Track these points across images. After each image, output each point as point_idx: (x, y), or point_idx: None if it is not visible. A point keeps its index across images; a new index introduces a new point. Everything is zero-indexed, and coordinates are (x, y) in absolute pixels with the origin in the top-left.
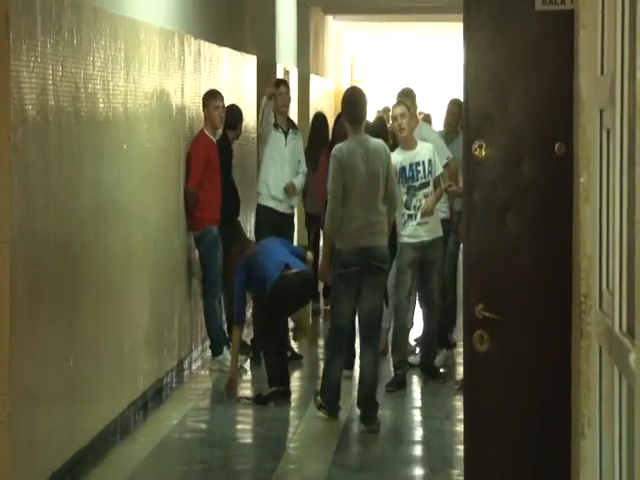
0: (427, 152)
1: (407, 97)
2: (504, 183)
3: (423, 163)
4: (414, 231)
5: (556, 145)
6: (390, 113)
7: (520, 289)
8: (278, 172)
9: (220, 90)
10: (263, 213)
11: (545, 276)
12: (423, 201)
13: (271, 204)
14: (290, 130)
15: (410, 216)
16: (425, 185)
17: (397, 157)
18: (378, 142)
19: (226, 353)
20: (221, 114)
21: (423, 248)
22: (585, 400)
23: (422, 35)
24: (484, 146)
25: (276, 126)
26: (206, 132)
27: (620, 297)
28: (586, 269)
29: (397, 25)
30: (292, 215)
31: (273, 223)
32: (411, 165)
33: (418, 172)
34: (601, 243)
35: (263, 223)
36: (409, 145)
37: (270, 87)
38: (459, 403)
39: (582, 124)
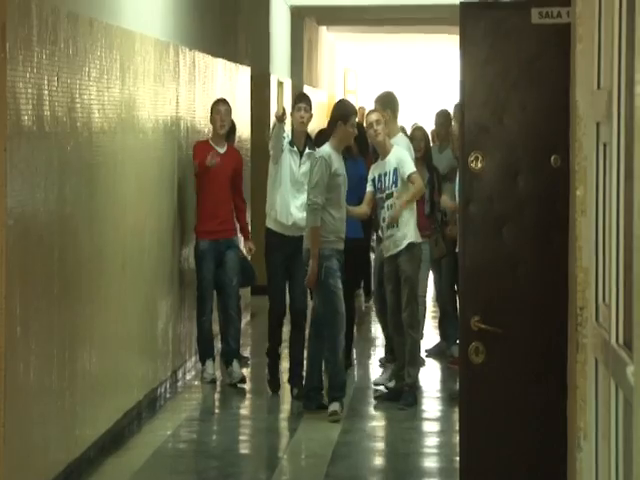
0: (394, 160)
1: (385, 102)
2: (500, 196)
3: (389, 173)
4: (384, 246)
5: (552, 158)
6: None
7: (516, 301)
8: (286, 194)
9: (214, 101)
10: (269, 237)
11: (541, 289)
12: (388, 212)
13: (277, 228)
14: (307, 150)
15: (381, 229)
16: (389, 196)
17: (372, 167)
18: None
19: (207, 365)
20: (222, 118)
21: (393, 261)
22: (581, 413)
23: (415, 47)
24: (480, 158)
25: (292, 144)
26: (209, 139)
27: (617, 309)
28: (582, 282)
29: (390, 37)
30: (302, 240)
31: (282, 248)
32: (380, 175)
33: (384, 183)
34: (597, 256)
35: (270, 247)
36: (383, 152)
37: (279, 107)
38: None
39: (578, 138)
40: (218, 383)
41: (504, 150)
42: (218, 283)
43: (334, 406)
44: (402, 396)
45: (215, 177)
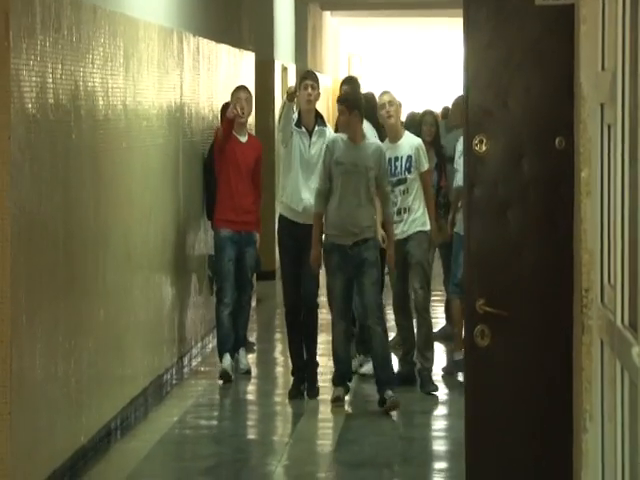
0: (409, 148)
1: (352, 84)
2: (505, 179)
3: (401, 158)
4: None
5: (556, 140)
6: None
7: (521, 284)
8: (296, 179)
9: (218, 87)
10: (281, 224)
11: (546, 271)
12: (399, 198)
13: (288, 215)
14: (316, 128)
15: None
16: (401, 182)
17: None
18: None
19: (225, 358)
20: (242, 105)
21: (401, 246)
22: (587, 394)
23: (419, 31)
24: (484, 141)
25: (298, 125)
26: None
27: (622, 291)
28: (587, 263)
29: (395, 21)
30: None
31: (293, 236)
32: (390, 159)
33: (396, 167)
34: (602, 237)
35: (282, 235)
36: (395, 135)
37: (290, 87)
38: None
39: (583, 119)
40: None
41: (508, 133)
42: (235, 276)
43: (337, 391)
44: (424, 382)
45: (237, 167)
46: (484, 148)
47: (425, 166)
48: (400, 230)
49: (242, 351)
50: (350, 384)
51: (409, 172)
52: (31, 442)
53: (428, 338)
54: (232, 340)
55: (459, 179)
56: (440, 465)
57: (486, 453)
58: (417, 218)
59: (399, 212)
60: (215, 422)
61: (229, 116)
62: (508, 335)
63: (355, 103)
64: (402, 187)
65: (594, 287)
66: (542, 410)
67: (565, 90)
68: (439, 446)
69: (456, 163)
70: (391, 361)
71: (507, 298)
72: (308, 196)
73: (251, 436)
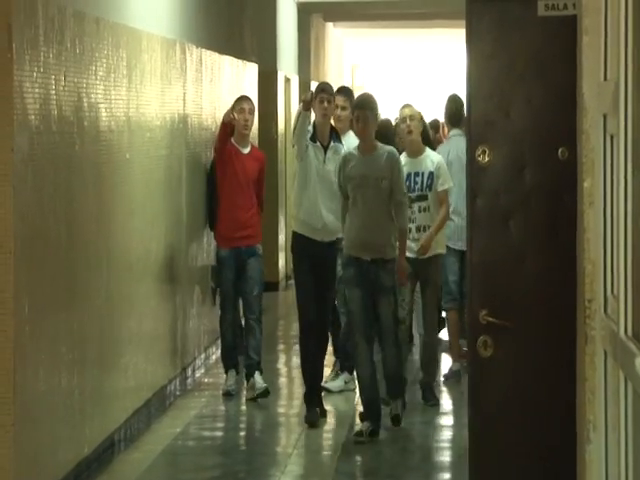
0: (430, 164)
1: (347, 94)
2: (507, 189)
3: (422, 174)
4: (411, 245)
5: (559, 150)
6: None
7: (524, 294)
8: (314, 195)
9: (221, 98)
10: (296, 241)
11: (549, 281)
12: (417, 215)
13: (306, 232)
14: (332, 144)
15: (410, 230)
16: (422, 198)
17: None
18: None
19: (228, 376)
20: (246, 117)
21: (417, 265)
22: (590, 405)
23: (422, 42)
24: (487, 151)
25: (313, 139)
26: (232, 140)
27: (625, 301)
28: (590, 274)
29: (397, 32)
30: (333, 245)
31: (309, 254)
32: (410, 174)
33: (416, 183)
34: (605, 248)
35: (297, 253)
36: (416, 150)
37: (305, 94)
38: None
39: (585, 130)
40: (239, 395)
41: (511, 143)
42: (239, 292)
43: (363, 425)
44: (425, 394)
45: (237, 179)
46: (487, 158)
47: (447, 184)
48: (417, 248)
49: (257, 375)
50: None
51: (430, 189)
52: (34, 453)
53: (433, 356)
54: (235, 357)
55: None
56: (443, 476)
57: (489, 463)
58: (438, 239)
59: (418, 229)
60: (218, 433)
61: (225, 120)
62: (511, 345)
63: (372, 107)
64: (423, 204)
65: (597, 297)
66: (545, 420)
67: (567, 100)
68: (442, 457)
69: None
70: (403, 376)
71: (510, 308)
72: (327, 213)
73: (254, 447)
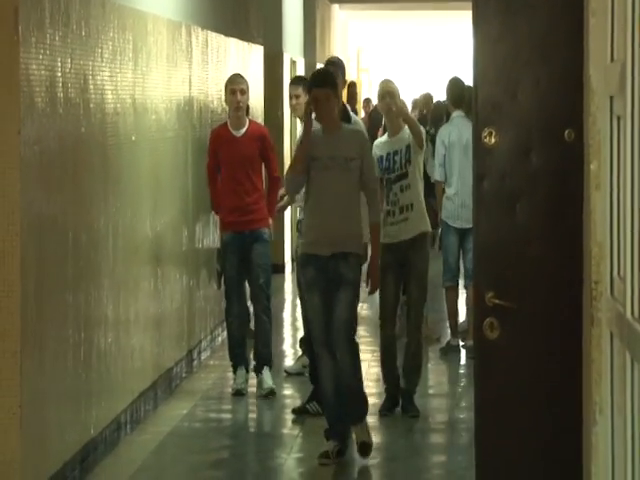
0: (407, 137)
1: (335, 66)
2: (514, 172)
3: (400, 151)
4: (391, 230)
5: (566, 132)
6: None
7: (530, 276)
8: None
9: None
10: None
11: (555, 263)
12: (400, 195)
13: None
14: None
15: (388, 212)
16: (402, 177)
17: (376, 144)
18: None
19: (237, 374)
20: (238, 99)
21: (402, 249)
22: (597, 387)
23: (428, 24)
24: (494, 134)
25: None
26: (227, 122)
27: (632, 283)
28: (597, 256)
29: (403, 14)
30: None
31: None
32: (389, 154)
33: (395, 162)
34: (612, 230)
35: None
36: (395, 129)
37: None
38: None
39: (592, 112)
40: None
41: (517, 126)
42: (246, 279)
43: (327, 445)
44: (405, 405)
45: (232, 166)
46: (493, 141)
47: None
48: (402, 230)
49: (266, 371)
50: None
51: (409, 163)
52: (41, 435)
53: (416, 358)
54: (244, 353)
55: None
56: (455, 455)
57: (496, 446)
58: (422, 218)
59: (401, 210)
60: (224, 415)
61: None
62: (517, 328)
63: (331, 83)
64: (404, 182)
65: (604, 279)
66: (551, 402)
67: (574, 82)
68: (439, 439)
69: (435, 156)
70: (363, 392)
71: (516, 290)
72: None
73: (261, 429)
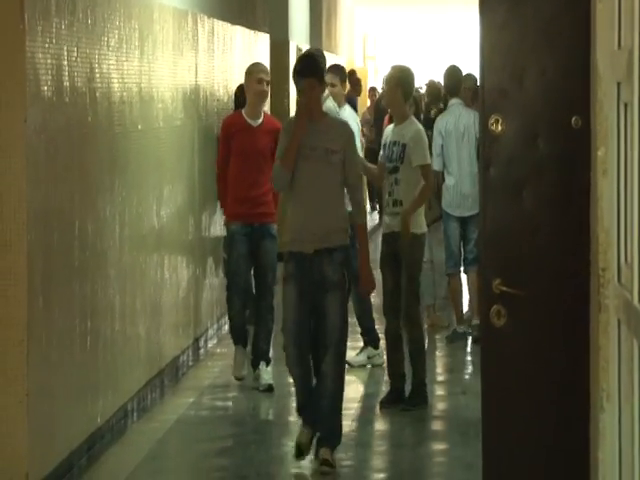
0: (409, 136)
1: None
2: (520, 159)
3: (399, 144)
4: (387, 219)
5: (572, 119)
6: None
7: (537, 263)
8: None
9: (233, 69)
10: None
11: (562, 250)
12: (395, 187)
13: None
14: None
15: (387, 202)
16: (395, 170)
17: (385, 131)
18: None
19: (237, 352)
20: (264, 89)
21: (395, 239)
22: (604, 374)
23: (434, 11)
24: (500, 121)
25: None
26: (242, 111)
27: (639, 270)
28: (604, 243)
29: (409, 1)
30: None
31: None
32: (391, 143)
33: (393, 152)
34: (619, 216)
35: None
36: (396, 118)
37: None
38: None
39: (599, 98)
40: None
41: (524, 112)
42: (254, 274)
43: (324, 453)
44: (412, 397)
45: (244, 155)
46: (500, 128)
47: (422, 160)
48: (394, 223)
49: (263, 366)
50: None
51: (401, 162)
52: (48, 424)
53: (413, 347)
54: (245, 333)
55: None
56: (461, 442)
57: (502, 433)
58: (414, 220)
59: (394, 203)
60: (231, 403)
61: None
62: (524, 315)
63: (316, 72)
64: (397, 176)
65: (611, 266)
66: (559, 389)
67: (581, 69)
68: (459, 425)
69: (433, 146)
70: (339, 418)
71: (523, 278)
72: None
73: (267, 417)
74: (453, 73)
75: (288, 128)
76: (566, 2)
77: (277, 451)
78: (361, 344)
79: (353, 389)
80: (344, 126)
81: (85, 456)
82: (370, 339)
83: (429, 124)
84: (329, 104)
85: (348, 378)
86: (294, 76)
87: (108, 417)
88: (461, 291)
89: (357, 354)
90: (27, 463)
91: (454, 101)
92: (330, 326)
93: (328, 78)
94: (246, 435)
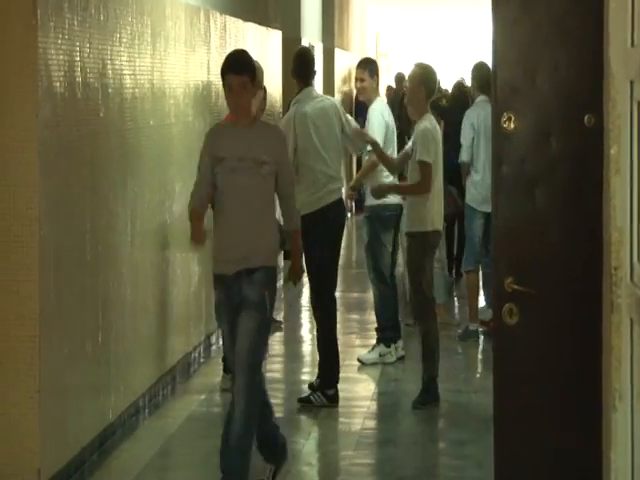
0: (417, 134)
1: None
2: (533, 156)
3: (414, 142)
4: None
5: (586, 117)
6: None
7: (550, 262)
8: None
9: None
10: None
11: (575, 248)
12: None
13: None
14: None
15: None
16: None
17: None
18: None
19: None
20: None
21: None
22: (616, 373)
23: (447, 8)
24: (513, 118)
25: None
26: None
27: None
28: (616, 241)
29: None
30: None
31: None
32: (412, 141)
33: (411, 149)
34: (631, 215)
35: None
36: (417, 116)
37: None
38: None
39: (612, 96)
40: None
41: (537, 110)
42: None
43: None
44: (422, 396)
45: None
46: (512, 125)
47: (424, 156)
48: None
49: None
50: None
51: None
52: (60, 420)
53: (427, 346)
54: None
55: (464, 154)
56: (469, 441)
57: (514, 432)
58: (414, 217)
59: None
60: None
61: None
62: (536, 313)
63: (250, 69)
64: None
65: (623, 265)
66: (571, 389)
67: (594, 67)
68: (468, 423)
69: (463, 138)
70: (247, 456)
71: (535, 276)
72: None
73: (278, 414)
74: (482, 69)
75: (206, 142)
76: None
77: (288, 448)
78: (373, 342)
79: (364, 387)
80: (276, 132)
81: (97, 452)
82: (383, 337)
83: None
84: (376, 106)
85: (359, 376)
86: (224, 72)
87: (119, 413)
88: (478, 288)
89: (369, 352)
90: (39, 459)
91: (482, 97)
92: (239, 348)
93: (357, 73)
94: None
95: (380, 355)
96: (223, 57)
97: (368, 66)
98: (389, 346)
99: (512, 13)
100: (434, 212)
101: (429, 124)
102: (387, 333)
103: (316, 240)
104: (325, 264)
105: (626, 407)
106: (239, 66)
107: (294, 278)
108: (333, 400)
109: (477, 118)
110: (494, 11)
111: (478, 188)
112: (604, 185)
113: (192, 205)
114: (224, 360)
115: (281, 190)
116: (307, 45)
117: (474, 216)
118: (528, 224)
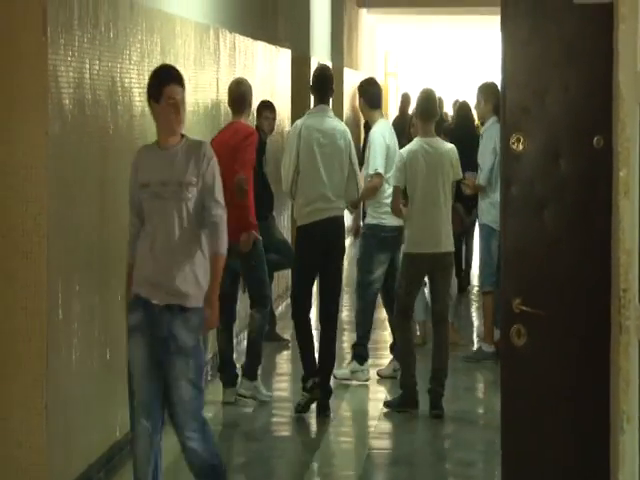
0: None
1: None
2: (542, 178)
3: None
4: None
5: (595, 139)
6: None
7: (558, 283)
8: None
9: (254, 84)
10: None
11: (583, 270)
12: None
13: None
14: None
15: None
16: None
17: None
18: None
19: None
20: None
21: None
22: (624, 395)
23: (457, 28)
24: (521, 140)
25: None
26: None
27: None
28: (625, 264)
29: (431, 18)
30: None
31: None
32: None
33: None
34: None
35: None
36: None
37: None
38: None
39: (622, 119)
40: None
41: (546, 131)
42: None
43: None
44: (433, 403)
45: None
46: (521, 147)
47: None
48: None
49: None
50: None
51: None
52: (67, 436)
53: (400, 352)
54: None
55: (482, 177)
56: (476, 462)
57: (522, 453)
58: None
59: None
60: (249, 418)
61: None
62: (544, 335)
63: (182, 82)
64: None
65: (632, 287)
66: (579, 410)
67: (604, 89)
68: (474, 444)
69: (482, 161)
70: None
71: (543, 297)
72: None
73: (285, 433)
74: (497, 91)
75: (134, 162)
76: (590, 20)
77: (295, 468)
78: (383, 361)
79: (372, 406)
80: (202, 147)
81: (103, 469)
82: (356, 353)
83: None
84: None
85: (365, 396)
86: (164, 82)
87: (127, 430)
88: (494, 311)
89: (343, 367)
90: (46, 476)
91: (494, 119)
92: (178, 405)
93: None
94: (265, 451)
95: (352, 372)
96: (232, 75)
97: (359, 90)
98: (362, 364)
99: (522, 34)
100: (415, 234)
101: (411, 147)
102: (361, 350)
103: (297, 254)
104: (299, 280)
105: (634, 429)
106: (181, 78)
107: (209, 318)
108: (309, 390)
109: (496, 142)
110: (503, 32)
111: (492, 210)
112: (613, 207)
113: (129, 258)
114: (220, 371)
115: (207, 215)
116: (320, 64)
117: (493, 237)
118: (537, 245)
